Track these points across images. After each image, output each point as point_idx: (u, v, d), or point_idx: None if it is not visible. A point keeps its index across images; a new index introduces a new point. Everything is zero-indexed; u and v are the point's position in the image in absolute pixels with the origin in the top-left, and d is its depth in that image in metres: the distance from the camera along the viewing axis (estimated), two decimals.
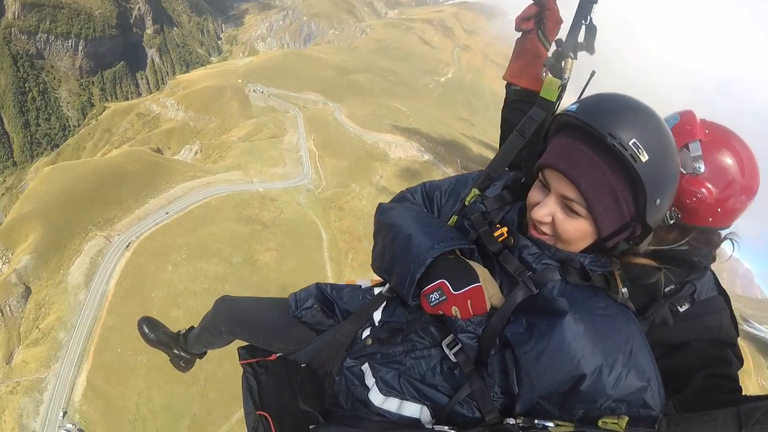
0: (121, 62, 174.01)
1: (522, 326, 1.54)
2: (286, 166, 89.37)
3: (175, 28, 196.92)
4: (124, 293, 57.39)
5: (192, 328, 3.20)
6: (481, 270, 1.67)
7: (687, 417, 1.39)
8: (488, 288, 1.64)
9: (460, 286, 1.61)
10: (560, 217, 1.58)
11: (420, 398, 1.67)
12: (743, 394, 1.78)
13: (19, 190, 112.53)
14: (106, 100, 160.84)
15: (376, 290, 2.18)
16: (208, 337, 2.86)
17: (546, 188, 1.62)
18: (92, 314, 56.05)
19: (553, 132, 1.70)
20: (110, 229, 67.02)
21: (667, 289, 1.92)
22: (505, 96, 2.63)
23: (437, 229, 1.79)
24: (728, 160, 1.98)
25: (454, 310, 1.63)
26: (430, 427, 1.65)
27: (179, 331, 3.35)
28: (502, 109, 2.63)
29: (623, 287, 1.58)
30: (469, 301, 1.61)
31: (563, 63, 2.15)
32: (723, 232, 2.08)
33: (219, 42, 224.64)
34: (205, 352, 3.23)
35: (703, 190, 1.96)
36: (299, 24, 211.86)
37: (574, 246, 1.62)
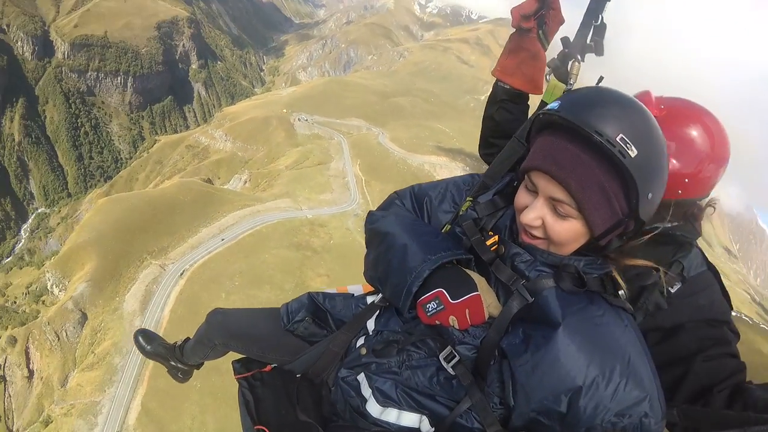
0: (169, 97, 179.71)
1: (519, 337, 1.52)
2: (333, 192, 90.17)
3: (218, 62, 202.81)
4: (178, 320, 57.93)
5: (188, 339, 3.22)
6: (478, 278, 1.65)
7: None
8: (486, 297, 1.61)
9: (458, 295, 1.58)
10: (550, 220, 1.54)
11: (419, 408, 1.65)
12: (750, 382, 1.80)
13: (73, 219, 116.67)
14: (156, 133, 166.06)
15: (369, 299, 2.17)
16: (203, 349, 2.88)
17: (533, 191, 1.58)
18: None
19: (535, 132, 1.65)
20: (164, 258, 68.65)
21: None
22: (491, 92, 2.46)
23: (433, 239, 1.75)
24: (687, 132, 1.99)
25: (452, 320, 1.60)
26: None
27: (175, 342, 3.36)
28: (486, 106, 2.48)
29: (620, 289, 1.56)
30: (467, 311, 1.59)
31: (569, 66, 2.02)
32: (703, 202, 2.06)
33: (261, 73, 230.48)
34: (203, 363, 3.25)
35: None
36: (338, 52, 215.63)
37: (566, 248, 1.58)
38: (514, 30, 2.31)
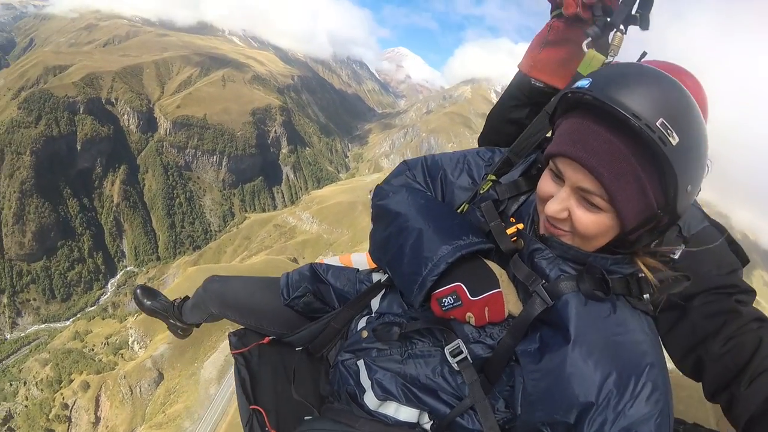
0: (260, 177, 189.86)
1: (535, 344, 1.42)
2: None
3: (307, 148, 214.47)
4: None
5: (187, 298, 3.20)
6: (499, 271, 1.53)
7: None
8: (507, 293, 1.49)
9: (479, 291, 1.46)
10: (578, 212, 1.38)
11: (418, 404, 1.58)
12: None
13: (160, 282, 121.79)
14: (246, 210, 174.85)
15: (375, 276, 2.07)
16: (201, 314, 2.85)
17: (559, 179, 1.41)
18: (221, 409, 58.25)
19: (561, 112, 1.45)
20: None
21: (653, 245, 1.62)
22: (516, 89, 2.25)
23: (451, 224, 1.60)
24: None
25: (468, 317, 1.49)
26: None
27: (174, 300, 3.36)
28: (505, 108, 2.21)
29: (645, 293, 1.42)
30: (486, 309, 1.47)
31: (611, 36, 1.81)
32: None
33: (346, 160, 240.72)
34: (201, 323, 3.20)
35: None
36: (419, 140, 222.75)
37: (593, 243, 1.42)
38: (558, 19, 2.12)
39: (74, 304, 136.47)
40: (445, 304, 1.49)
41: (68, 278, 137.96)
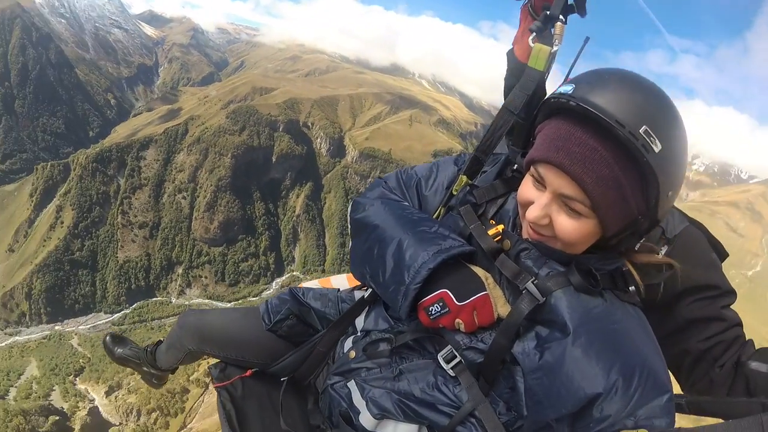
0: None
1: (532, 342, 1.38)
2: None
3: None
4: None
5: (160, 342, 3.01)
6: (483, 274, 1.50)
7: (705, 427, 1.28)
8: (494, 295, 1.47)
9: (465, 296, 1.44)
10: (559, 219, 1.40)
11: (417, 419, 1.52)
12: (746, 340, 1.75)
13: None
14: None
15: (357, 294, 2.06)
16: (176, 354, 2.64)
17: (540, 184, 1.42)
18: None
19: (543, 118, 1.46)
20: None
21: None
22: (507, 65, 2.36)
23: (430, 231, 1.57)
24: None
25: (458, 324, 1.47)
26: None
27: (146, 346, 3.17)
28: (505, 79, 2.38)
29: (631, 285, 1.44)
30: (474, 312, 1.45)
31: (552, 28, 1.87)
32: None
33: None
34: (177, 368, 3.00)
35: None
36: None
37: (575, 248, 1.44)
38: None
39: (239, 291, 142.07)
40: (433, 312, 1.46)
41: (240, 268, 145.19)
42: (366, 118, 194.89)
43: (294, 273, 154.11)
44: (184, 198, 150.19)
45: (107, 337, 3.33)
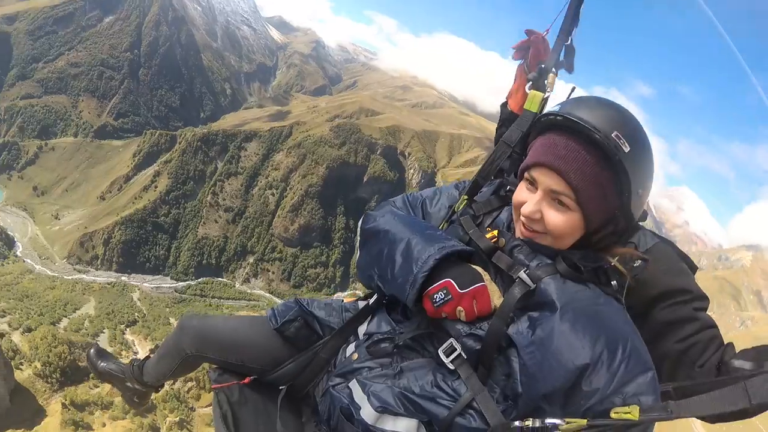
0: None
1: (524, 323, 1.52)
2: None
3: None
4: None
5: (148, 357, 2.98)
6: (481, 271, 1.68)
7: (695, 399, 1.38)
8: (490, 288, 1.64)
9: (466, 285, 1.60)
10: (549, 212, 1.61)
11: (417, 413, 1.61)
12: (726, 343, 1.79)
13: None
14: None
15: (361, 304, 2.16)
16: (170, 363, 2.57)
17: (532, 186, 1.66)
18: None
19: (535, 136, 1.75)
20: None
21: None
22: (500, 116, 2.78)
23: (435, 233, 1.77)
24: None
25: (459, 312, 1.60)
26: None
27: (132, 360, 3.05)
28: (497, 129, 2.81)
29: (612, 280, 1.61)
30: (474, 301, 1.59)
31: (546, 78, 2.24)
32: None
33: None
34: (163, 385, 3.00)
35: None
36: None
37: (563, 241, 1.65)
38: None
39: (300, 294, 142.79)
40: (437, 299, 1.61)
41: (307, 273, 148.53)
42: (462, 159, 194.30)
43: (357, 291, 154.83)
44: (272, 194, 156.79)
45: (92, 350, 3.24)
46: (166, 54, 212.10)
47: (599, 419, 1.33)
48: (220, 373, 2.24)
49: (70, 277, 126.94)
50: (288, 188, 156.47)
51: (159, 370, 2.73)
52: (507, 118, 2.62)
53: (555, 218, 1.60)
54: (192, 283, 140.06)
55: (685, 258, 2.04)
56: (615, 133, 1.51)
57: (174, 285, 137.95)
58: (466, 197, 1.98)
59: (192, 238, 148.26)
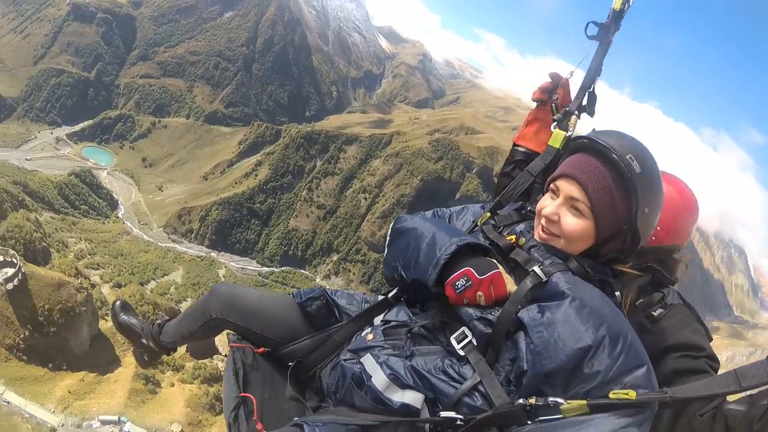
0: None
1: (535, 309, 1.66)
2: None
3: None
4: None
5: (169, 320, 3.03)
6: (496, 261, 1.84)
7: (690, 385, 1.46)
8: (505, 275, 1.79)
9: (484, 272, 1.74)
10: (566, 216, 1.82)
11: (425, 388, 1.72)
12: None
13: None
14: None
15: (380, 297, 2.26)
16: (192, 323, 2.64)
17: (555, 195, 1.88)
18: None
19: (566, 155, 2.00)
20: None
21: (638, 302, 2.18)
22: (509, 155, 2.88)
23: (457, 230, 1.99)
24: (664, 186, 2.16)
25: (479, 296, 1.73)
26: (436, 416, 1.69)
27: (153, 319, 3.19)
28: (503, 167, 2.89)
29: (616, 291, 1.80)
30: (491, 286, 1.73)
31: (570, 119, 2.45)
32: (678, 255, 2.46)
33: None
34: (176, 349, 3.03)
35: None
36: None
37: (575, 245, 1.83)
38: (535, 108, 2.80)
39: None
40: (459, 286, 1.74)
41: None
42: None
43: None
44: (365, 198, 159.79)
45: (117, 302, 3.35)
46: (280, 52, 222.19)
47: (598, 399, 1.46)
48: (238, 338, 2.34)
49: (163, 245, 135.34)
50: (380, 195, 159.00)
51: (179, 330, 2.79)
52: (522, 159, 2.74)
53: (571, 222, 1.80)
54: (276, 270, 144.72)
55: (702, 323, 2.21)
56: (629, 155, 1.74)
57: (259, 269, 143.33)
58: (488, 214, 2.19)
59: (283, 228, 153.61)
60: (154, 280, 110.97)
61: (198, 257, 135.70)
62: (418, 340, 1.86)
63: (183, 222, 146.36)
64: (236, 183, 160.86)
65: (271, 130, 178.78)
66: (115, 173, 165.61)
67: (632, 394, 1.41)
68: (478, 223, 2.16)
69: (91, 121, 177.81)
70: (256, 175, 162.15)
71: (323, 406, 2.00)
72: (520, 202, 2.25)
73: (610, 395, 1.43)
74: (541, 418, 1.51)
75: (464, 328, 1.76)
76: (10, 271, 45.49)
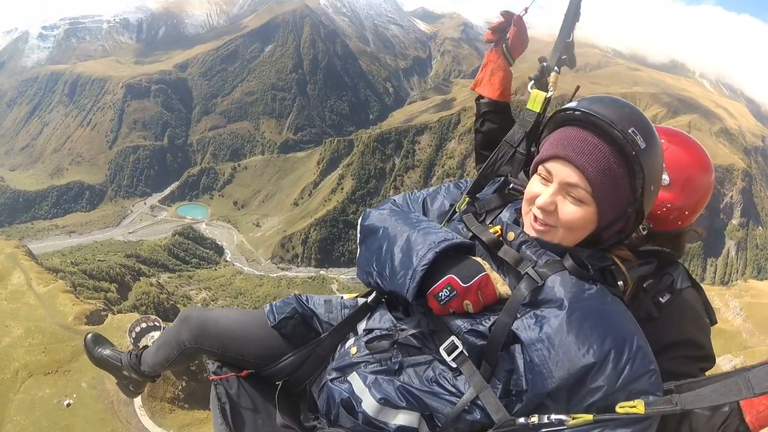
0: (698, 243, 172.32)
1: (531, 320, 1.51)
2: None
3: (760, 228, 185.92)
4: None
5: (146, 347, 2.87)
6: (481, 261, 1.66)
7: (699, 392, 1.38)
8: (493, 277, 1.62)
9: (469, 277, 1.57)
10: (564, 205, 1.58)
11: (420, 407, 1.60)
12: None
13: None
14: None
15: (360, 301, 2.12)
16: (168, 353, 2.49)
17: (546, 180, 1.63)
18: None
19: (550, 130, 1.72)
20: None
21: (646, 284, 1.97)
22: (476, 109, 2.65)
23: (433, 228, 1.73)
24: (688, 167, 2.15)
25: (466, 305, 1.59)
26: None
27: (130, 350, 2.98)
28: (474, 122, 2.68)
29: (619, 280, 1.60)
30: (479, 292, 1.57)
31: (548, 77, 2.19)
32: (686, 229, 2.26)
33: None
34: (159, 374, 2.90)
35: (672, 198, 2.12)
36: None
37: (575, 235, 1.62)
38: (488, 50, 2.57)
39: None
40: (442, 297, 1.58)
41: None
42: None
43: None
44: (451, 181, 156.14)
45: (89, 336, 3.22)
46: (327, 67, 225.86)
47: (605, 413, 1.38)
48: (219, 366, 2.19)
49: (275, 275, 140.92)
50: (465, 175, 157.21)
51: (156, 360, 2.66)
52: (489, 110, 2.56)
53: (569, 211, 1.58)
54: None
55: (709, 309, 2.09)
56: (632, 129, 1.52)
57: None
58: (467, 197, 1.96)
59: None
60: None
61: (309, 278, 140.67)
62: (406, 350, 1.72)
63: (287, 249, 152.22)
64: (326, 201, 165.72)
65: (343, 143, 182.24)
66: (212, 222, 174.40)
67: (640, 407, 1.35)
68: (457, 209, 1.96)
69: (177, 183, 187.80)
70: (342, 189, 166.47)
71: (318, 427, 1.84)
72: (502, 179, 2.02)
73: (618, 409, 1.37)
74: (544, 431, 1.45)
75: (454, 338, 1.61)
76: (156, 333, 49.07)
